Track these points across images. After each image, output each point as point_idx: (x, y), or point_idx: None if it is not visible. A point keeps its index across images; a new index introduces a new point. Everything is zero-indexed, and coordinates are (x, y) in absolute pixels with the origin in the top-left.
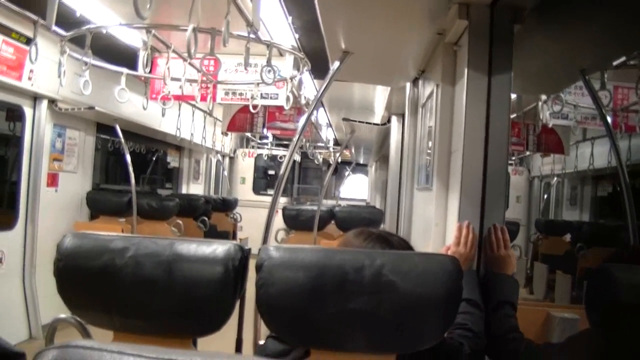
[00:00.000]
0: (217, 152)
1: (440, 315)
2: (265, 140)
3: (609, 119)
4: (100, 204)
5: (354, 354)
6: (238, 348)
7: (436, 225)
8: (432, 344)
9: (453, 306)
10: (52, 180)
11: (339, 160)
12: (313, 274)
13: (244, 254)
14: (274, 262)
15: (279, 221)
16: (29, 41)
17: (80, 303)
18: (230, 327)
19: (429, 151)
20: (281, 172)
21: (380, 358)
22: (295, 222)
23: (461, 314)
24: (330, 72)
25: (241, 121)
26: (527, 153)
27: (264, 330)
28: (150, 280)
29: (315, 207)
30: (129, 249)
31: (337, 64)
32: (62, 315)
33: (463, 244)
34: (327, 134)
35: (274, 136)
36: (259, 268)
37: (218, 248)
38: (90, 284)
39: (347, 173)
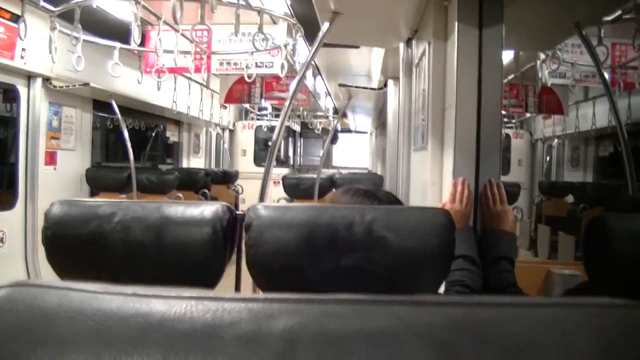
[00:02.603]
0: (216, 125)
1: (433, 270)
2: (264, 112)
3: (606, 76)
4: (99, 181)
5: None
6: None
7: (432, 184)
8: None
9: (446, 260)
10: (50, 158)
11: (339, 128)
12: (303, 231)
13: (233, 215)
14: (263, 222)
15: (280, 191)
16: (18, 19)
17: (70, 271)
18: (228, 291)
19: (422, 116)
20: (274, 137)
21: None
22: (296, 190)
23: (458, 270)
24: (320, 34)
25: (238, 92)
26: (527, 115)
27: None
28: (140, 244)
29: (315, 175)
30: (116, 214)
31: (326, 25)
32: None
33: (458, 200)
34: (326, 103)
35: (273, 107)
36: (247, 228)
37: (206, 209)
38: (79, 251)
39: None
